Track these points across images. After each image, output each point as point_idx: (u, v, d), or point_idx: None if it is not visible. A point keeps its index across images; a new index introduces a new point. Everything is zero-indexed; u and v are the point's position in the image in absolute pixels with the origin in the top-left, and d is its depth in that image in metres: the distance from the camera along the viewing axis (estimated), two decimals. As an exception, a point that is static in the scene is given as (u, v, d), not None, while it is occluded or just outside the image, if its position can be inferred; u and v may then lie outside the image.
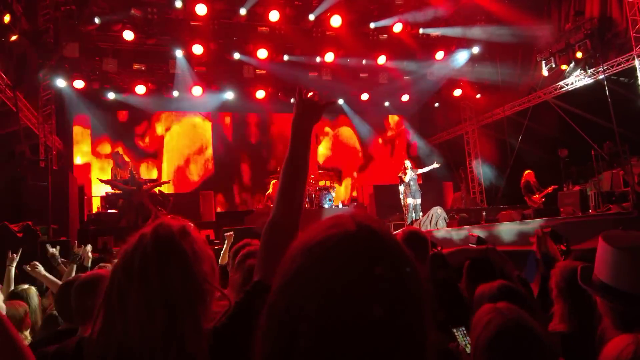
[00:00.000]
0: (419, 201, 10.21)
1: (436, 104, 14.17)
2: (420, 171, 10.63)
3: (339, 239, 0.65)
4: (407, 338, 0.62)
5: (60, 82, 10.78)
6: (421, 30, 11.65)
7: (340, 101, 13.57)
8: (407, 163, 10.37)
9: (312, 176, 11.84)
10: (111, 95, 11.81)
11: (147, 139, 13.36)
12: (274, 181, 11.35)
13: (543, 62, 10.94)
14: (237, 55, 11.26)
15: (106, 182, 10.61)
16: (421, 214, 10.00)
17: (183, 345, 0.99)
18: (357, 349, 0.60)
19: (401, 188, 10.38)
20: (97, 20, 9.83)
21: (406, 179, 10.17)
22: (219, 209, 12.90)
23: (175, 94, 11.96)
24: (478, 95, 13.34)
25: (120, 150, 12.38)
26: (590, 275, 1.59)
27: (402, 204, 10.42)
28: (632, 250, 1.45)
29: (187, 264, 1.05)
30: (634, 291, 1.41)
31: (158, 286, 1.00)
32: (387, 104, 14.06)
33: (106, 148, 12.92)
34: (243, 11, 10.41)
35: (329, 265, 0.63)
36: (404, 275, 0.65)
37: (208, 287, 1.07)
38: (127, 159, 11.48)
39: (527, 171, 9.76)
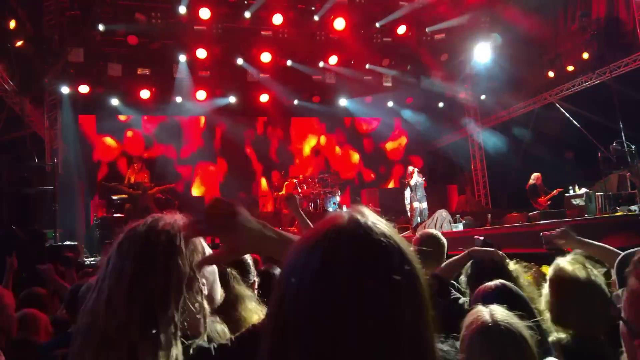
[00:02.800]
0: (425, 205, 10.19)
1: (440, 104, 14.04)
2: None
3: (327, 231, 0.67)
4: (393, 328, 0.62)
5: (65, 87, 10.84)
6: (427, 29, 11.58)
7: (345, 102, 13.56)
8: (412, 168, 10.36)
9: (316, 179, 11.82)
10: (115, 100, 11.88)
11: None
12: (287, 182, 11.32)
13: (549, 62, 10.88)
14: (240, 61, 11.29)
15: (111, 186, 10.65)
16: (426, 217, 9.96)
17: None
18: (343, 339, 0.60)
19: (407, 193, 10.34)
20: (101, 27, 9.89)
21: (412, 183, 10.14)
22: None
23: (179, 99, 12.00)
24: (483, 96, 13.25)
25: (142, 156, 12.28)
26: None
27: (408, 208, 10.38)
28: None
29: (172, 258, 1.03)
30: None
31: (136, 279, 0.98)
32: (390, 104, 13.99)
33: (111, 152, 12.96)
34: (247, 14, 10.43)
35: (315, 256, 0.64)
36: (394, 267, 0.64)
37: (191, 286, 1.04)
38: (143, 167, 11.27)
39: (535, 174, 9.70)
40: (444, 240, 2.80)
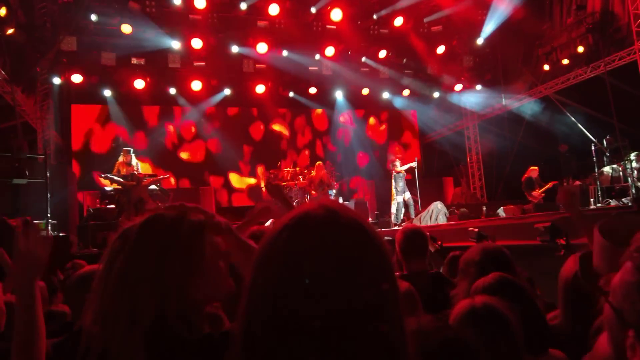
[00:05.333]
0: (408, 195, 9.99)
1: (436, 94, 13.97)
2: (403, 168, 10.29)
3: (296, 215, 0.72)
4: (355, 303, 0.64)
5: (58, 77, 10.70)
6: (425, 20, 11.54)
7: (341, 94, 13.51)
8: (394, 156, 10.22)
9: (313, 173, 11.77)
10: (109, 90, 11.74)
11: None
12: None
13: (545, 56, 10.89)
14: (235, 49, 11.18)
15: (105, 177, 10.56)
16: (413, 207, 9.97)
17: None
18: (311, 316, 0.63)
19: (394, 182, 10.13)
20: (93, 17, 9.75)
21: (394, 173, 9.98)
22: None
23: (173, 91, 11.88)
24: (479, 87, 13.22)
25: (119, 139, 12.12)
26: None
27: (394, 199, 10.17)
28: None
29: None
30: None
31: None
32: (386, 95, 13.94)
33: (106, 143, 12.84)
34: (243, 5, 10.33)
35: (283, 236, 0.69)
36: (358, 248, 0.68)
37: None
38: (133, 159, 11.10)
39: (531, 167, 9.74)
40: (426, 234, 2.83)
